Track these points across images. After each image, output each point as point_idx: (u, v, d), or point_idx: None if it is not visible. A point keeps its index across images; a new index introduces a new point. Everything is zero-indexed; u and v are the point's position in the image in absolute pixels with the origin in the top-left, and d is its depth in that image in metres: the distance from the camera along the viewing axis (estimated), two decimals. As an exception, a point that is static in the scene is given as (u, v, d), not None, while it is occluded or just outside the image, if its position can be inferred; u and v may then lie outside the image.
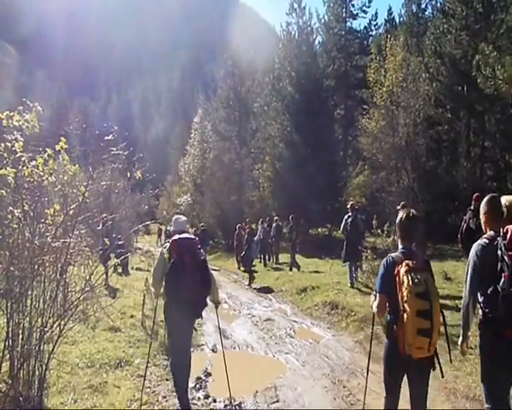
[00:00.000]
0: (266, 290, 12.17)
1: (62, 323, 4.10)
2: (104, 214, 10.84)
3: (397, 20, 35.38)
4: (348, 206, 11.23)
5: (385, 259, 3.30)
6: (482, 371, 3.33)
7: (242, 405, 4.78)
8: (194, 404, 4.82)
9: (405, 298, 2.95)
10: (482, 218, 3.51)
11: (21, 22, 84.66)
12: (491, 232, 3.26)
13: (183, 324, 4.42)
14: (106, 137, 4.22)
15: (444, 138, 20.71)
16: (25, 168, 3.78)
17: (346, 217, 10.97)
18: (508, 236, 3.00)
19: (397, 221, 3.39)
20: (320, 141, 20.50)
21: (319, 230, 24.06)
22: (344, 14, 29.95)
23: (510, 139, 19.47)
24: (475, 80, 15.63)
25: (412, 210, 3.39)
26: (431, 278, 3.09)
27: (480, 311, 3.23)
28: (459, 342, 3.54)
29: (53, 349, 4.13)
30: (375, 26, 32.44)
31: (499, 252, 3.00)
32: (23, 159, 3.76)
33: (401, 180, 20.67)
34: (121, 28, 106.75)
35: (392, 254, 3.28)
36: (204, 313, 9.26)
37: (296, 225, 16.60)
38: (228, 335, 7.70)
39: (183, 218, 4.98)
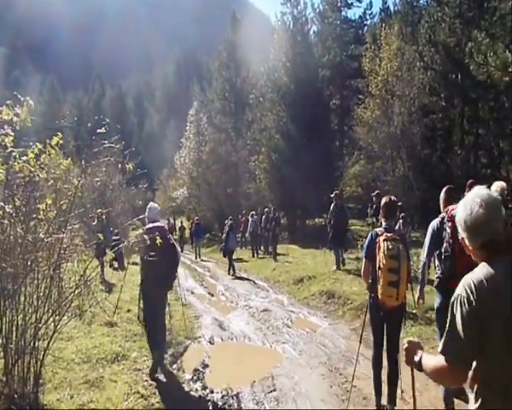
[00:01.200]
0: (245, 278, 13.08)
1: (57, 319, 4.08)
2: (99, 210, 10.81)
3: (391, 9, 35.42)
4: (332, 194, 11.40)
5: (371, 232, 4.29)
6: (437, 323, 4.36)
7: (240, 395, 4.79)
8: (191, 396, 4.84)
9: (382, 259, 3.92)
10: (441, 201, 4.41)
11: (13, 14, 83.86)
12: (444, 213, 4.19)
13: (155, 295, 5.32)
14: (98, 130, 4.17)
15: (438, 127, 20.74)
16: (16, 163, 3.73)
17: (332, 205, 11.26)
18: (448, 213, 4.04)
19: (381, 204, 4.32)
20: (316, 131, 20.44)
21: (316, 220, 24.08)
22: (339, 4, 29.80)
23: (504, 127, 19.61)
24: (469, 68, 15.63)
25: (392, 196, 4.36)
26: (403, 246, 3.99)
27: (437, 276, 4.20)
28: (416, 296, 4.57)
29: (48, 345, 4.12)
30: (369, 15, 32.42)
31: (444, 225, 4.07)
32: (14, 154, 3.72)
33: (396, 169, 20.76)
34: (115, 21, 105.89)
35: (377, 229, 4.23)
36: (201, 306, 9.42)
37: (290, 216, 16.76)
38: (225, 326, 7.72)
39: (157, 207, 5.90)
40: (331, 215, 11.19)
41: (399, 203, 4.78)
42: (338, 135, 28.03)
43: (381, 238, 3.98)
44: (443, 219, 4.17)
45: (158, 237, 4.35)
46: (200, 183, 29.38)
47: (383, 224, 4.24)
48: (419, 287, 4.46)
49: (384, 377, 4.22)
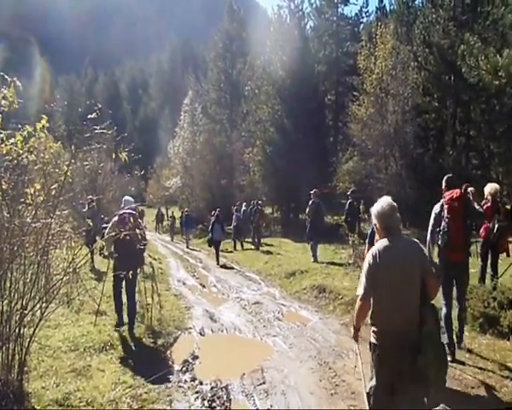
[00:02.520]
0: (230, 267, 13.85)
1: (44, 305, 4.01)
2: (90, 196, 10.69)
3: (387, 9, 35.35)
4: (312, 192, 12.43)
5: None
6: (441, 282, 4.89)
7: (229, 387, 4.78)
8: (180, 387, 4.81)
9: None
10: (443, 189, 5.35)
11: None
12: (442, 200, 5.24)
13: (125, 271, 5.74)
14: (89, 116, 4.07)
15: (431, 127, 20.77)
16: (3, 146, 3.63)
17: (310, 202, 12.34)
18: (446, 198, 5.14)
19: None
20: (311, 126, 20.41)
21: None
22: (335, 0, 29.59)
23: (494, 129, 19.83)
24: (461, 70, 15.71)
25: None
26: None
27: (437, 246, 5.23)
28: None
29: (34, 333, 4.05)
30: (366, 13, 32.24)
31: (444, 208, 5.13)
32: (1, 136, 3.61)
33: (389, 167, 20.84)
34: (110, 6, 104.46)
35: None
36: (192, 297, 9.38)
37: (284, 210, 16.88)
38: (216, 318, 7.69)
39: (131, 199, 6.90)
40: (309, 212, 12.31)
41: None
42: (332, 131, 28.01)
43: None
44: (442, 204, 5.19)
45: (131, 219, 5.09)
46: (193, 173, 29.21)
47: None
48: (427, 253, 4.85)
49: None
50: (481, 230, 6.90)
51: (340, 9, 30.06)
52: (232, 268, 13.97)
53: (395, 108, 19.56)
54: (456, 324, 5.23)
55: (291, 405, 4.34)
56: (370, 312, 3.06)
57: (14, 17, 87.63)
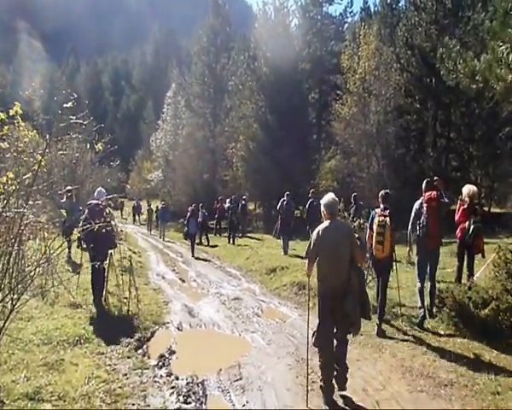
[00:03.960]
0: (206, 259, 14.47)
1: (15, 297, 3.92)
2: (68, 187, 10.47)
3: (372, 10, 35.74)
4: (287, 193, 13.60)
5: (372, 212, 6.46)
6: (417, 264, 6.57)
7: (205, 382, 4.75)
8: (155, 382, 4.75)
9: (375, 227, 6.15)
10: (423, 190, 6.59)
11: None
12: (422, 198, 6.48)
13: (97, 258, 6.49)
14: (65, 105, 3.95)
15: (412, 128, 21.17)
16: None
17: (281, 200, 13.52)
18: (425, 198, 6.44)
19: (379, 195, 6.43)
20: (294, 123, 20.46)
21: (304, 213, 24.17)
22: (320, -1, 29.64)
23: (473, 132, 20.29)
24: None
25: (387, 190, 6.52)
26: (389, 219, 6.04)
27: (416, 234, 6.47)
28: (407, 250, 6.86)
29: (4, 325, 3.97)
30: (350, 13, 32.40)
31: (422, 205, 6.43)
32: None
33: (371, 166, 21.05)
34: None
35: (376, 209, 6.35)
36: (171, 292, 9.31)
37: (266, 206, 16.94)
38: (194, 313, 7.64)
39: (104, 191, 7.54)
40: (280, 209, 13.50)
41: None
42: (315, 129, 28.10)
43: (376, 215, 6.21)
44: (422, 202, 6.46)
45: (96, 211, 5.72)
46: (175, 167, 28.96)
47: (380, 205, 6.31)
48: (408, 247, 6.78)
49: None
50: (457, 231, 7.02)
51: (324, 8, 30.13)
52: (209, 261, 14.08)
53: (377, 108, 19.78)
54: (427, 299, 6.37)
55: (267, 401, 4.34)
56: (317, 272, 4.40)
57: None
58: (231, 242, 17.83)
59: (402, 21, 22.86)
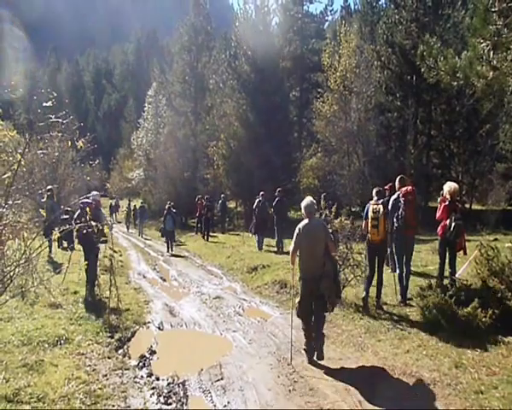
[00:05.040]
0: (187, 257, 14.78)
1: (-6, 297, 3.88)
2: (49, 186, 10.36)
3: (352, 8, 36.09)
4: (262, 192, 14.32)
5: (368, 204, 7.21)
6: (396, 251, 7.37)
7: (186, 383, 4.74)
8: (136, 382, 4.74)
9: (369, 215, 7.00)
10: (396, 185, 7.40)
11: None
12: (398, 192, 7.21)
13: (89, 251, 7.59)
14: (44, 104, 3.93)
15: (393, 125, 21.26)
16: None
17: (257, 200, 14.21)
18: (402, 192, 7.06)
19: (373, 191, 7.28)
20: (275, 121, 20.48)
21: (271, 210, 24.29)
22: (301, -3, 29.79)
23: (454, 130, 20.46)
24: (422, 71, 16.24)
25: (385, 187, 8.09)
26: (382, 207, 6.93)
27: (395, 225, 7.08)
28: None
29: (-17, 325, 3.91)
30: (331, 11, 32.59)
31: (399, 199, 7.07)
32: None
33: (352, 164, 21.23)
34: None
35: (370, 201, 7.16)
36: (152, 291, 9.28)
37: (247, 204, 17.04)
38: (175, 312, 7.64)
39: (95, 192, 8.40)
40: (256, 208, 14.04)
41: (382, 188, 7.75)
42: (297, 126, 28.23)
43: (371, 205, 7.08)
44: (398, 196, 7.13)
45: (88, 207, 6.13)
46: (157, 165, 28.74)
47: (374, 197, 7.13)
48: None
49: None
50: (439, 228, 7.04)
51: (305, 7, 30.37)
52: (190, 259, 14.15)
53: (358, 105, 19.93)
54: (404, 282, 7.13)
55: (248, 401, 4.33)
56: (298, 261, 5.39)
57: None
58: (205, 238, 18.59)
59: (382, 19, 22.98)
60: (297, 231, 5.29)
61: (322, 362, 5.15)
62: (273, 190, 14.56)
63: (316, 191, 22.93)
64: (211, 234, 19.19)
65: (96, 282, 7.90)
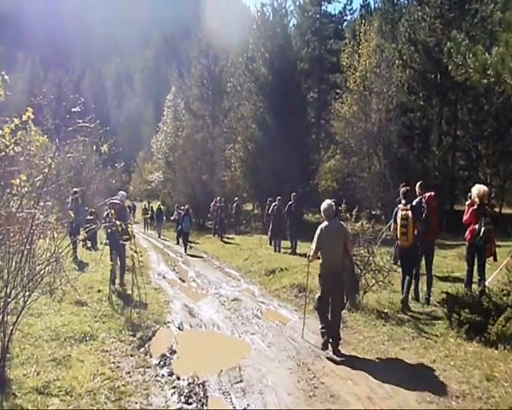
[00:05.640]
0: (205, 259, 14.89)
1: (27, 294, 4.06)
2: (75, 189, 10.71)
3: (372, 6, 35.62)
4: (279, 197, 14.58)
5: (396, 207, 7.29)
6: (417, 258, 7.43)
7: (206, 383, 4.77)
8: (157, 381, 4.81)
9: (399, 220, 7.06)
10: (417, 190, 7.46)
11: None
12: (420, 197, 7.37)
13: (114, 244, 8.29)
14: (72, 109, 4.11)
15: (416, 126, 20.71)
16: None
17: (272, 204, 14.54)
18: (426, 197, 7.24)
19: (401, 192, 7.25)
20: (293, 123, 20.46)
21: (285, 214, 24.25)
22: (318, -2, 29.72)
23: (482, 129, 19.70)
24: (448, 68, 15.70)
25: (408, 187, 7.38)
26: (411, 213, 6.93)
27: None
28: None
29: (17, 320, 4.11)
30: (349, 10, 32.40)
31: (422, 204, 7.22)
32: None
33: (372, 166, 20.83)
34: (97, 4, 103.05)
35: (399, 205, 7.18)
36: (172, 291, 9.43)
37: (264, 206, 17.17)
38: (194, 313, 7.71)
39: (123, 192, 9.44)
40: (272, 212, 14.38)
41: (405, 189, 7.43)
42: (314, 128, 28.11)
43: (400, 209, 7.10)
44: (421, 200, 7.20)
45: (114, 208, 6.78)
46: (175, 168, 29.09)
47: (402, 200, 7.12)
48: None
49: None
50: (466, 233, 6.81)
51: (323, 7, 30.23)
52: (208, 261, 14.28)
53: (379, 106, 19.48)
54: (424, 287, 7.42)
55: (268, 405, 4.30)
56: (320, 259, 5.70)
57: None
58: (220, 238, 19.23)
59: (404, 17, 22.45)
60: (318, 231, 5.65)
61: (343, 369, 5.06)
62: (290, 192, 14.56)
63: (334, 194, 22.85)
64: (226, 235, 19.49)
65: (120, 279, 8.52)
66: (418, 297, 7.36)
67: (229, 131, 26.81)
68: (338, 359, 5.31)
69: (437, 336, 5.84)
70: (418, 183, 7.52)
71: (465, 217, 6.93)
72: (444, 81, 19.01)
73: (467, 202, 7.16)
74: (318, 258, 5.80)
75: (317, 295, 5.85)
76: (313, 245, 5.71)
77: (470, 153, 21.16)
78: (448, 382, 4.57)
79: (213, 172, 27.22)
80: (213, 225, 21.74)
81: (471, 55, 6.55)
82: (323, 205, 5.77)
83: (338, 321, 5.67)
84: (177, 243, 20.00)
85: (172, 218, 23.15)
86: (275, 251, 13.93)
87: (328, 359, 5.35)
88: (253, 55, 22.78)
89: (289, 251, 13.64)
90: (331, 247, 5.61)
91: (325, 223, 5.69)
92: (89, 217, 7.79)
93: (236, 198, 21.92)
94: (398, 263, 8.57)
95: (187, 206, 18.31)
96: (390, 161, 19.70)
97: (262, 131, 21.47)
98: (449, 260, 10.60)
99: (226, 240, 18.78)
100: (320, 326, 5.76)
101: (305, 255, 11.12)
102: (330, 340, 5.57)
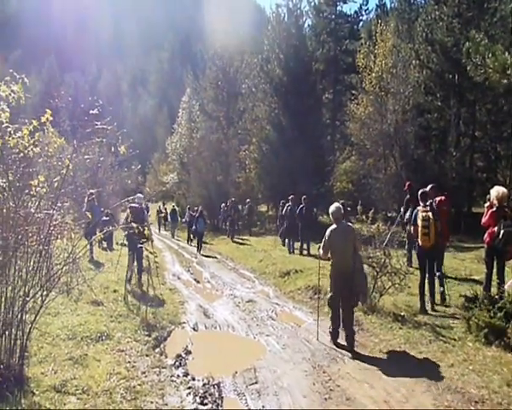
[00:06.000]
0: (219, 260, 15.01)
1: (45, 293, 4.12)
2: (90, 191, 10.84)
3: (388, 6, 35.27)
4: (290, 198, 14.72)
5: (416, 209, 7.26)
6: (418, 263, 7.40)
7: (221, 384, 4.77)
8: (172, 381, 4.83)
9: (420, 222, 7.01)
10: (430, 193, 7.60)
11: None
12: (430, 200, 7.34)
13: (132, 246, 8.59)
14: (91, 111, 4.16)
15: (433, 127, 20.31)
16: (10, 139, 3.76)
17: (286, 205, 14.75)
18: (437, 201, 7.44)
19: (419, 193, 7.38)
20: (308, 124, 20.36)
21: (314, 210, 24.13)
22: (334, -2, 29.54)
23: (501, 130, 19.22)
24: (466, 69, 15.40)
25: (425, 189, 7.61)
26: (431, 213, 6.97)
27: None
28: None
29: (35, 319, 4.17)
30: (365, 10, 32.04)
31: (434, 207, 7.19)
32: (9, 129, 3.74)
33: (388, 167, 20.63)
34: (112, 6, 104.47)
35: (418, 207, 7.20)
36: (187, 292, 9.47)
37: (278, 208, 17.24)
38: (209, 314, 7.74)
39: (141, 195, 9.67)
40: (285, 214, 14.56)
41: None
42: (330, 129, 27.97)
43: (420, 211, 7.10)
44: (431, 204, 7.20)
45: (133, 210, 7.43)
46: (190, 169, 29.27)
47: (421, 204, 7.19)
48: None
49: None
50: (485, 236, 6.69)
51: (338, 7, 29.97)
52: (222, 262, 14.28)
53: (395, 107, 19.24)
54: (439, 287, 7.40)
55: (283, 407, 4.28)
56: (331, 260, 6.00)
57: (18, 18, 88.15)
58: (231, 239, 19.61)
59: (421, 16, 21.98)
60: (328, 233, 5.98)
61: (359, 372, 5.00)
62: (304, 194, 14.52)
63: (350, 196, 22.66)
64: (240, 237, 19.69)
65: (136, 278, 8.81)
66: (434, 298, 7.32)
67: (243, 132, 26.84)
68: (361, 372, 5.04)
69: (455, 340, 5.71)
70: (430, 186, 7.74)
71: (484, 219, 6.80)
72: (462, 81, 18.63)
73: (485, 204, 7.02)
74: (328, 259, 6.10)
75: (328, 295, 6.15)
76: (321, 245, 6.07)
77: (489, 154, 20.74)
78: (466, 386, 4.46)
79: (228, 174, 27.28)
80: (225, 226, 21.80)
81: (490, 55, 6.42)
82: (331, 208, 6.03)
83: (350, 320, 5.89)
84: (188, 242, 20.98)
85: (184, 220, 23.69)
86: (289, 252, 13.95)
87: (348, 371, 5.04)
88: (268, 57, 22.74)
89: (300, 252, 13.78)
90: (341, 249, 5.87)
91: (334, 226, 5.97)
92: (105, 218, 7.92)
93: (248, 200, 22.04)
94: (413, 265, 8.53)
95: (200, 207, 18.66)
96: (406, 162, 19.45)
97: (277, 132, 21.43)
98: (467, 262, 10.41)
99: (238, 240, 18.91)
100: (330, 327, 6.06)
101: (314, 256, 11.19)
102: (345, 338, 5.83)
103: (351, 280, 5.80)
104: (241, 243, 18.21)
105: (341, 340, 5.95)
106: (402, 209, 10.28)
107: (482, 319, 5.51)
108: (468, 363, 5.01)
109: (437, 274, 7.41)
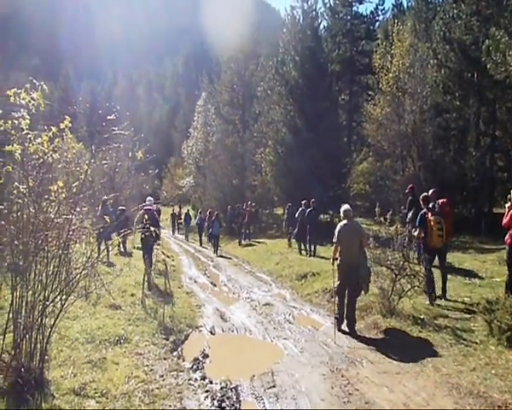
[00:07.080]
0: (236, 263, 15.27)
1: (64, 297, 4.17)
2: (104, 197, 10.99)
3: (404, 6, 34.80)
4: (303, 202, 14.90)
5: (422, 212, 7.76)
6: (425, 260, 7.80)
7: (239, 388, 4.75)
8: (190, 384, 4.84)
9: (433, 224, 7.51)
10: (432, 196, 7.99)
11: (31, 5, 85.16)
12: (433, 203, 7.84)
13: (147, 247, 8.84)
14: (108, 117, 4.22)
15: (452, 126, 19.98)
16: (30, 145, 3.84)
17: (300, 209, 14.82)
18: (440, 203, 7.72)
19: (422, 196, 8.10)
20: (324, 126, 20.22)
21: (321, 216, 24.03)
22: (350, -1, 29.35)
23: None
24: (486, 67, 15.08)
25: (427, 193, 8.16)
26: (443, 217, 7.49)
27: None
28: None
29: (54, 323, 4.22)
30: (381, 10, 31.56)
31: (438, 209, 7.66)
32: (29, 136, 3.82)
33: (406, 168, 20.35)
34: (127, 11, 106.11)
35: (424, 210, 7.72)
36: (203, 295, 9.49)
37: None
38: (226, 317, 7.74)
39: (151, 199, 9.74)
40: (299, 216, 14.58)
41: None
42: (346, 131, 27.68)
43: (430, 215, 7.59)
44: (434, 206, 7.68)
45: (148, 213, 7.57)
46: (206, 173, 29.44)
47: (423, 206, 7.80)
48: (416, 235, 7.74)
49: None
50: (507, 236, 6.57)
51: (354, 8, 29.68)
52: (239, 265, 14.37)
53: (413, 107, 18.96)
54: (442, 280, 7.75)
55: None
56: (338, 253, 6.60)
57: (32, 25, 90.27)
58: (238, 243, 20.39)
59: (439, 15, 21.66)
60: (338, 228, 6.67)
61: (378, 375, 4.93)
62: (318, 197, 14.63)
63: (367, 198, 22.43)
64: (252, 240, 20.22)
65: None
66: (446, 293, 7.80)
67: (259, 135, 26.83)
68: (379, 375, 4.97)
69: (476, 343, 5.60)
70: (431, 190, 8.21)
71: (505, 220, 6.66)
72: (481, 80, 18.29)
73: (506, 205, 6.86)
74: (336, 259, 6.68)
75: (335, 284, 6.76)
76: (334, 240, 6.69)
77: (509, 153, 20.34)
78: (489, 391, 4.36)
79: (244, 177, 27.33)
80: (244, 229, 21.75)
81: (511, 53, 6.26)
82: (343, 207, 6.84)
83: (353, 306, 6.65)
84: (200, 244, 21.93)
85: (195, 222, 24.30)
86: (300, 254, 14.36)
87: (366, 375, 4.98)
88: (283, 59, 22.71)
89: (310, 254, 14.11)
90: (349, 242, 6.55)
91: (344, 221, 6.69)
92: (119, 217, 8.09)
93: (254, 204, 22.71)
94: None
95: (216, 211, 19.62)
96: (425, 163, 19.14)
97: (292, 134, 21.35)
98: (488, 264, 10.21)
99: (248, 244, 19.35)
100: (335, 312, 6.72)
101: (328, 259, 11.14)
102: (347, 323, 6.59)
103: (356, 272, 6.45)
104: (250, 245, 18.80)
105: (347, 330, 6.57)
106: (406, 210, 10.92)
107: (505, 321, 5.40)
108: (491, 367, 4.89)
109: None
